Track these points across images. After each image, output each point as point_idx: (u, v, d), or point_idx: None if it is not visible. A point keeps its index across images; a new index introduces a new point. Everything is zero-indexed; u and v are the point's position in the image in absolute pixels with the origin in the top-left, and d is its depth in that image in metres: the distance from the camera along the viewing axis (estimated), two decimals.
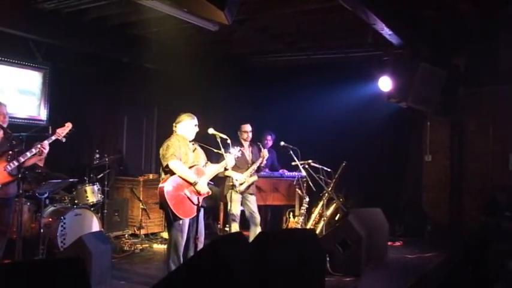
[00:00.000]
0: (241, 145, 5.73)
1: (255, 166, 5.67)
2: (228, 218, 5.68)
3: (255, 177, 5.76)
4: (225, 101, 7.89)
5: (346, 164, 6.49)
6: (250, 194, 5.67)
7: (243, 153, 5.49)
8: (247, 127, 5.84)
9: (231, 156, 4.71)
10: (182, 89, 7.25)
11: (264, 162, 5.77)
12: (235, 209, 5.53)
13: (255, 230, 5.59)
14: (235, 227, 5.45)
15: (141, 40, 6.69)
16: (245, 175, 5.60)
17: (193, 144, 4.54)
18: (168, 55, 7.03)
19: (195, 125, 4.51)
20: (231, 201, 5.23)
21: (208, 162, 4.71)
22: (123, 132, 7.43)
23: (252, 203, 5.67)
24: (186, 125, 4.47)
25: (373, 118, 7.31)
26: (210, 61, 7.54)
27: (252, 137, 5.89)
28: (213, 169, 4.62)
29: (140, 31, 6.54)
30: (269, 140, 6.65)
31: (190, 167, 4.40)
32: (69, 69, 6.41)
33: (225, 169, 4.87)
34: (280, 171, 6.84)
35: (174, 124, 4.50)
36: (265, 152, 5.72)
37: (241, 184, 5.53)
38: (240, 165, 5.46)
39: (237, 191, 5.41)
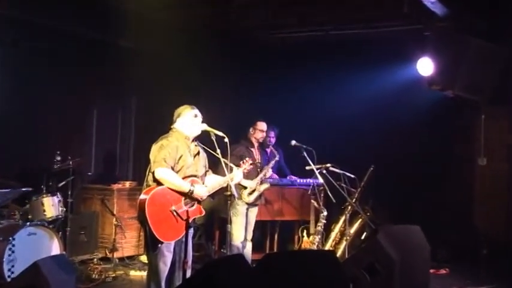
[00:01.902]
0: (251, 145, 6.00)
1: (265, 171, 5.90)
2: (224, 238, 5.72)
3: (266, 185, 5.96)
4: (221, 88, 7.86)
5: (374, 169, 6.49)
6: (256, 205, 5.82)
7: (251, 155, 5.73)
8: (263, 125, 6.06)
9: (238, 171, 4.78)
10: (167, 73, 7.25)
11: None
12: (239, 232, 5.69)
13: (248, 247, 5.83)
14: None
15: (115, 11, 6.62)
16: (255, 182, 5.78)
17: (195, 145, 4.61)
18: (150, 31, 6.99)
19: (195, 116, 4.56)
20: (235, 218, 5.48)
21: (210, 171, 4.80)
22: (92, 128, 7.34)
23: (253, 215, 5.89)
24: (185, 119, 4.57)
25: (409, 111, 7.22)
26: (203, 39, 7.53)
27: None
28: (214, 183, 4.66)
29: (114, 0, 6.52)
30: (272, 137, 6.73)
31: (184, 178, 4.44)
32: (20, 46, 6.20)
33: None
34: (292, 178, 6.88)
35: (173, 119, 4.61)
36: (275, 153, 6.00)
37: (250, 193, 5.69)
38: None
39: (244, 201, 5.63)
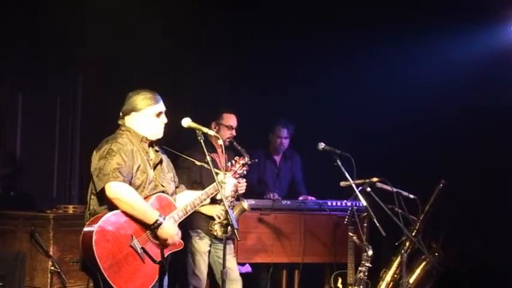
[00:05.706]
0: (213, 149, 6.01)
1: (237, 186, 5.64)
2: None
3: (244, 204, 5.93)
4: (212, 58, 7.79)
5: (445, 185, 6.43)
6: (227, 238, 5.67)
7: (215, 164, 5.64)
8: (232, 119, 6.17)
9: (230, 180, 4.89)
10: (133, 42, 7.32)
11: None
12: (202, 271, 5.94)
13: None
14: None
15: None
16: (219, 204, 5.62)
17: (156, 150, 4.67)
18: None
19: (157, 114, 4.55)
20: (193, 256, 5.80)
21: (182, 186, 4.89)
22: (16, 124, 7.21)
23: (228, 252, 5.79)
24: (144, 113, 4.56)
25: (499, 96, 7.06)
26: None
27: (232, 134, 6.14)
28: (191, 200, 4.68)
29: None
30: (284, 138, 6.98)
31: (147, 197, 4.44)
32: None
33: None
34: (308, 198, 6.97)
35: (121, 111, 4.58)
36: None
37: (221, 223, 5.63)
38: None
39: (214, 234, 5.77)
